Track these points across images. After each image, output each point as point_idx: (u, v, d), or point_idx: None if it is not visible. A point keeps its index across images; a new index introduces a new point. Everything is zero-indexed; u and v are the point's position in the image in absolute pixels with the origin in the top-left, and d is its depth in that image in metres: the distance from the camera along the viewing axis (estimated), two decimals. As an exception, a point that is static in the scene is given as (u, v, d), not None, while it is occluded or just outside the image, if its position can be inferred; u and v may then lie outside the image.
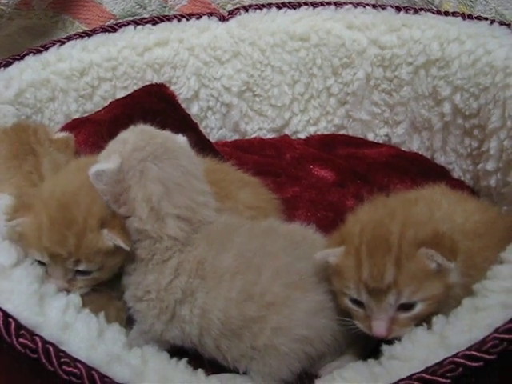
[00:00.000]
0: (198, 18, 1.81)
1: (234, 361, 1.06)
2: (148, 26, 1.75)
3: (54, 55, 1.62)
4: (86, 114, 1.64)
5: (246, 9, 1.83)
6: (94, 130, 1.53)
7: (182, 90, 1.77)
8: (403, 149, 1.79)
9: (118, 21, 1.96)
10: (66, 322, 0.94)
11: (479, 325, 0.91)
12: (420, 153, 1.76)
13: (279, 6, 1.82)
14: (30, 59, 1.60)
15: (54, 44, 1.65)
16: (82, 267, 1.06)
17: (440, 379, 0.85)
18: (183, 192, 1.06)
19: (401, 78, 1.71)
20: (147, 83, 1.72)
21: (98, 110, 1.65)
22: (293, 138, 1.88)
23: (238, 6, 1.95)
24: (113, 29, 1.73)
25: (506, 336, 0.87)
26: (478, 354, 0.86)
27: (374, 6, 1.77)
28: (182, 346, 1.10)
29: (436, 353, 0.89)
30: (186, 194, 1.06)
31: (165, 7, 2.03)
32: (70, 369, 0.87)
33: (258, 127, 1.87)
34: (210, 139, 1.78)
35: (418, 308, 0.97)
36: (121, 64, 1.69)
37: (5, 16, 1.92)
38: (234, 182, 1.28)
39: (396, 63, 1.70)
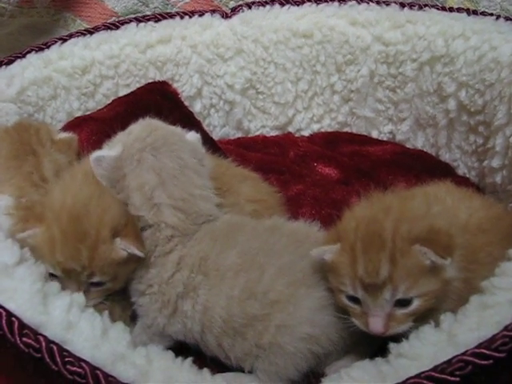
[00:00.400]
0: (200, 16, 1.80)
1: (237, 359, 1.06)
2: (150, 23, 1.74)
3: (55, 53, 1.62)
4: (89, 112, 1.63)
5: (249, 6, 1.82)
6: (97, 128, 1.52)
7: (184, 88, 1.76)
8: (408, 146, 1.78)
9: (120, 18, 1.95)
10: (69, 321, 0.94)
11: (488, 322, 0.90)
12: (425, 150, 1.75)
13: (282, 3, 1.81)
14: (32, 57, 1.59)
15: (55, 42, 1.64)
16: (96, 279, 1.06)
17: (449, 377, 0.84)
18: (178, 184, 1.08)
19: (405, 74, 1.70)
20: (150, 81, 1.71)
21: (100, 107, 1.64)
22: (296, 135, 1.87)
23: (240, 3, 1.93)
24: (115, 26, 1.72)
25: (516, 334, 0.86)
26: (487, 352, 0.85)
27: (377, 3, 1.76)
28: (185, 344, 1.10)
29: (444, 351, 0.89)
30: (182, 185, 1.08)
31: (167, 4, 2.01)
32: (74, 368, 0.87)
33: (262, 125, 1.87)
34: (213, 137, 1.77)
35: (415, 304, 0.97)
36: (123, 61, 1.69)
37: (6, 14, 1.92)
38: (234, 177, 1.28)
39: (400, 60, 1.69)
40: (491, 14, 1.62)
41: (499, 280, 0.97)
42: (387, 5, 1.75)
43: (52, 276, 1.05)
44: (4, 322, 0.89)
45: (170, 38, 1.73)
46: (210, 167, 1.16)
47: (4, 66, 1.54)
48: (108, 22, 1.85)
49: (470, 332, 0.90)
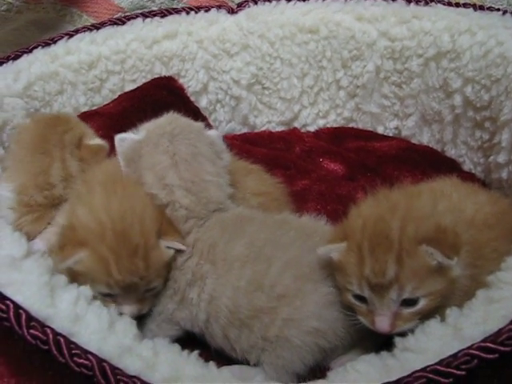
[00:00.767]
0: (206, 11, 1.80)
1: (243, 351, 1.06)
2: (156, 18, 1.75)
3: (62, 48, 1.62)
4: (95, 107, 1.64)
5: (255, 1, 1.82)
6: (103, 123, 1.53)
7: (190, 83, 1.77)
8: (413, 142, 1.78)
9: (126, 14, 1.95)
10: (76, 314, 0.94)
11: (494, 316, 0.90)
12: (430, 146, 1.75)
13: (288, -2, 1.80)
14: (39, 52, 1.60)
15: (62, 37, 1.64)
16: (153, 284, 1.07)
17: (455, 371, 0.84)
18: (190, 168, 1.13)
19: (411, 70, 1.70)
20: (156, 76, 1.72)
21: (106, 103, 1.65)
22: (302, 131, 1.87)
23: (246, -2, 1.94)
24: (121, 21, 1.72)
25: (522, 328, 0.86)
26: (493, 346, 0.85)
27: (384, -2, 1.76)
28: (192, 337, 1.10)
29: (450, 345, 0.89)
30: (193, 170, 1.13)
31: (173, 0, 2.01)
32: (81, 360, 0.87)
33: (267, 120, 1.87)
34: (219, 132, 1.76)
35: (422, 303, 0.97)
36: (129, 57, 1.69)
37: (13, 9, 1.93)
38: (238, 171, 1.29)
39: (406, 55, 1.69)
40: (498, 9, 1.61)
41: (505, 274, 0.97)
42: (393, 0, 1.74)
43: (105, 296, 1.04)
44: (12, 314, 0.90)
45: (176, 33, 1.73)
46: (229, 162, 1.20)
47: (11, 61, 1.54)
48: (114, 17, 1.85)
49: (476, 326, 0.90)
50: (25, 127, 1.34)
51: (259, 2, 1.81)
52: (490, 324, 0.89)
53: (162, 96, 1.64)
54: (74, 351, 0.88)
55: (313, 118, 1.86)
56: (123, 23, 1.72)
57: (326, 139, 1.80)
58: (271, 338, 1.03)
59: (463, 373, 0.84)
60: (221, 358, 1.08)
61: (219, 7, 1.82)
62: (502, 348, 0.85)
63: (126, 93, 1.66)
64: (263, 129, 1.88)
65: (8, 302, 0.91)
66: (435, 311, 0.98)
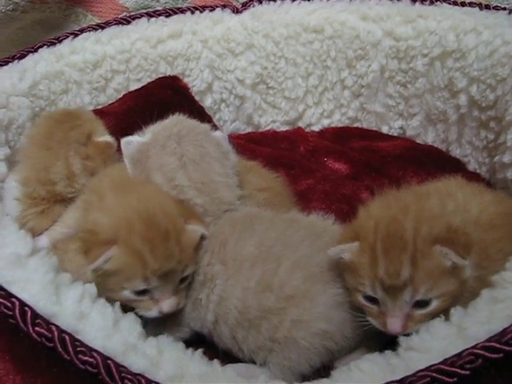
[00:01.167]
0: (211, 10, 1.80)
1: (250, 352, 1.06)
2: (161, 18, 1.75)
3: (67, 47, 1.62)
4: (100, 107, 1.64)
5: (260, 1, 1.81)
6: (108, 123, 1.51)
7: (195, 83, 1.77)
8: (418, 141, 1.78)
9: (131, 13, 1.95)
10: (81, 312, 0.94)
11: (498, 316, 0.90)
12: (435, 145, 1.74)
13: (293, -2, 1.81)
14: (44, 51, 1.60)
15: (67, 36, 1.65)
16: (188, 271, 1.07)
17: (459, 371, 0.84)
18: (198, 169, 1.14)
19: (416, 69, 1.69)
20: (160, 75, 1.72)
21: (111, 102, 1.65)
22: (307, 130, 1.87)
23: (251, -3, 1.94)
24: (126, 21, 1.72)
25: (527, 327, 0.86)
26: (497, 346, 0.85)
27: (388, -3, 1.75)
28: (196, 336, 1.10)
29: (454, 344, 0.89)
30: (202, 171, 1.14)
31: (178, -1, 2.02)
32: (86, 358, 0.88)
33: (272, 120, 1.87)
34: (224, 132, 1.77)
35: (434, 305, 0.96)
36: (134, 56, 1.69)
37: (19, 9, 1.93)
38: (240, 169, 1.29)
39: (411, 55, 1.69)
40: (504, 9, 1.60)
41: (510, 274, 0.97)
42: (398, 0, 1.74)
43: (140, 295, 1.04)
44: (17, 311, 0.90)
45: (181, 32, 1.74)
46: (236, 162, 1.21)
47: (16, 61, 1.55)
48: (119, 16, 1.85)
49: (481, 325, 0.90)
50: (36, 123, 1.37)
51: (264, 2, 1.81)
52: (494, 324, 0.89)
53: (166, 95, 1.65)
54: (78, 349, 0.88)
55: (317, 118, 1.86)
56: (128, 23, 1.72)
57: (331, 139, 1.80)
58: (279, 339, 1.03)
59: (467, 372, 0.84)
60: (226, 357, 1.08)
61: (224, 7, 1.82)
62: (506, 348, 0.85)
63: (130, 92, 1.67)
64: (268, 128, 1.88)
65: (14, 299, 0.91)
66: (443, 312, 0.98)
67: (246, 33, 1.78)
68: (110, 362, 0.88)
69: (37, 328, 0.89)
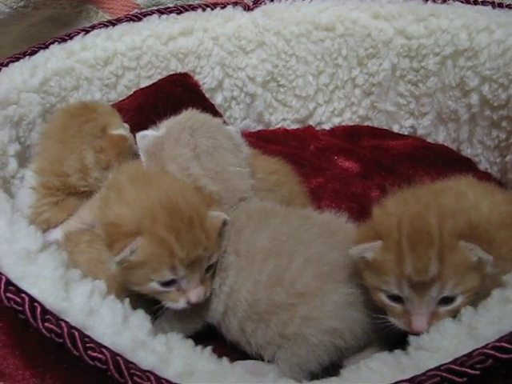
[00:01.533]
0: (222, 8, 1.80)
1: (258, 347, 1.07)
2: (173, 15, 1.75)
3: (78, 44, 1.63)
4: (110, 103, 1.63)
5: (271, -2, 1.81)
6: (118, 119, 1.53)
7: (206, 80, 1.77)
8: (429, 140, 1.77)
9: (143, 10, 1.96)
10: (91, 308, 0.94)
11: (509, 316, 0.90)
12: (446, 144, 1.74)
13: (305, -4, 1.80)
14: (55, 48, 1.60)
15: (78, 33, 1.65)
16: (214, 258, 1.07)
17: (469, 370, 0.84)
18: (212, 159, 1.15)
19: (427, 68, 1.69)
20: (171, 72, 1.72)
21: (122, 99, 1.66)
22: (317, 128, 1.87)
23: (262, -5, 1.93)
24: (137, 18, 1.73)
25: (537, 328, 0.85)
26: (508, 346, 0.84)
27: (400, -5, 1.75)
28: (205, 333, 1.10)
29: (465, 344, 0.88)
30: (215, 161, 1.15)
31: (189, -4, 2.02)
32: (95, 354, 0.88)
33: (282, 118, 1.87)
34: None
35: (459, 301, 0.96)
36: (145, 53, 1.69)
37: (30, 5, 1.94)
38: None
39: (423, 53, 1.68)
40: (517, 7, 1.60)
41: (521, 274, 0.96)
42: (410, -2, 1.73)
43: (167, 286, 1.03)
44: (27, 307, 0.90)
45: (192, 30, 1.74)
46: (248, 154, 1.23)
47: (27, 57, 1.55)
48: (130, 13, 1.85)
49: (491, 325, 0.89)
50: (53, 116, 1.40)
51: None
52: (505, 324, 0.88)
53: (177, 92, 1.65)
54: (88, 345, 0.89)
55: (328, 116, 1.86)
56: (139, 20, 1.73)
57: (341, 137, 1.80)
58: (289, 335, 1.03)
59: (478, 372, 0.84)
60: (234, 352, 1.09)
61: (235, 4, 1.82)
62: (517, 348, 0.84)
63: (141, 89, 1.67)
64: (278, 126, 1.88)
65: (23, 295, 0.92)
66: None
67: (257, 30, 1.77)
68: (119, 358, 0.88)
69: (46, 324, 0.90)
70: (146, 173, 1.15)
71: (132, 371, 0.87)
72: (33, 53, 1.57)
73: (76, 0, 2.04)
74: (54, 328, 0.89)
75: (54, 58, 1.58)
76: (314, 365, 1.04)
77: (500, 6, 1.61)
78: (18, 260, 0.97)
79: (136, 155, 1.28)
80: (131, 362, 0.89)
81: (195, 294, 1.04)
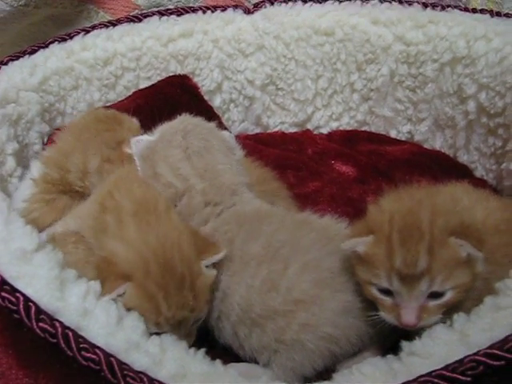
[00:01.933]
0: (222, 10, 1.80)
1: (252, 351, 1.07)
2: (173, 16, 1.75)
3: (78, 44, 1.63)
4: (109, 104, 1.64)
5: (272, 2, 1.82)
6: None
7: (205, 82, 1.77)
8: (426, 146, 1.77)
9: (143, 11, 1.96)
10: (85, 308, 0.94)
11: (501, 323, 0.90)
12: (442, 151, 1.74)
13: (305, 0, 1.80)
14: (55, 47, 1.61)
15: (78, 33, 1.66)
16: (201, 315, 1.05)
17: (460, 377, 0.84)
18: (202, 159, 1.16)
19: (425, 75, 1.69)
20: (171, 74, 1.72)
21: (120, 99, 1.66)
22: (315, 132, 1.87)
23: (263, -2, 1.94)
24: (138, 19, 1.73)
25: (529, 336, 0.86)
26: (499, 353, 0.85)
27: (400, 2, 1.75)
28: (199, 336, 1.10)
29: (456, 350, 0.89)
30: (205, 160, 1.17)
31: (190, -2, 2.02)
32: (88, 355, 0.88)
33: (281, 121, 1.87)
34: (232, 132, 1.77)
35: (448, 296, 0.97)
36: (145, 54, 1.70)
37: (31, 4, 1.94)
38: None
39: (421, 60, 1.68)
40: (515, 16, 1.61)
41: (513, 282, 0.97)
42: (409, 4, 1.74)
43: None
44: (21, 306, 0.90)
45: (192, 32, 1.74)
46: (242, 157, 1.24)
47: (27, 56, 1.55)
48: (131, 14, 1.86)
49: (483, 332, 0.90)
50: (83, 114, 1.45)
51: (276, 3, 1.82)
52: (496, 331, 0.89)
53: (175, 94, 1.65)
54: (82, 345, 0.88)
55: (326, 120, 1.86)
56: (139, 20, 1.73)
57: (339, 142, 1.80)
58: (286, 341, 1.03)
59: (469, 379, 0.84)
60: (228, 355, 1.08)
61: (236, 7, 1.82)
62: (508, 355, 0.84)
63: (140, 90, 1.67)
64: (276, 129, 1.88)
65: (18, 294, 0.92)
66: (454, 310, 0.98)
67: (256, 34, 1.78)
68: (112, 359, 0.88)
69: (40, 323, 0.89)
70: (150, 208, 1.10)
71: (125, 372, 0.87)
72: (33, 52, 1.57)
73: (77, 0, 2.04)
74: (48, 328, 0.89)
75: (53, 58, 1.58)
76: (308, 369, 1.04)
77: (498, 14, 1.62)
78: (14, 259, 0.97)
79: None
80: (124, 363, 0.89)
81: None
